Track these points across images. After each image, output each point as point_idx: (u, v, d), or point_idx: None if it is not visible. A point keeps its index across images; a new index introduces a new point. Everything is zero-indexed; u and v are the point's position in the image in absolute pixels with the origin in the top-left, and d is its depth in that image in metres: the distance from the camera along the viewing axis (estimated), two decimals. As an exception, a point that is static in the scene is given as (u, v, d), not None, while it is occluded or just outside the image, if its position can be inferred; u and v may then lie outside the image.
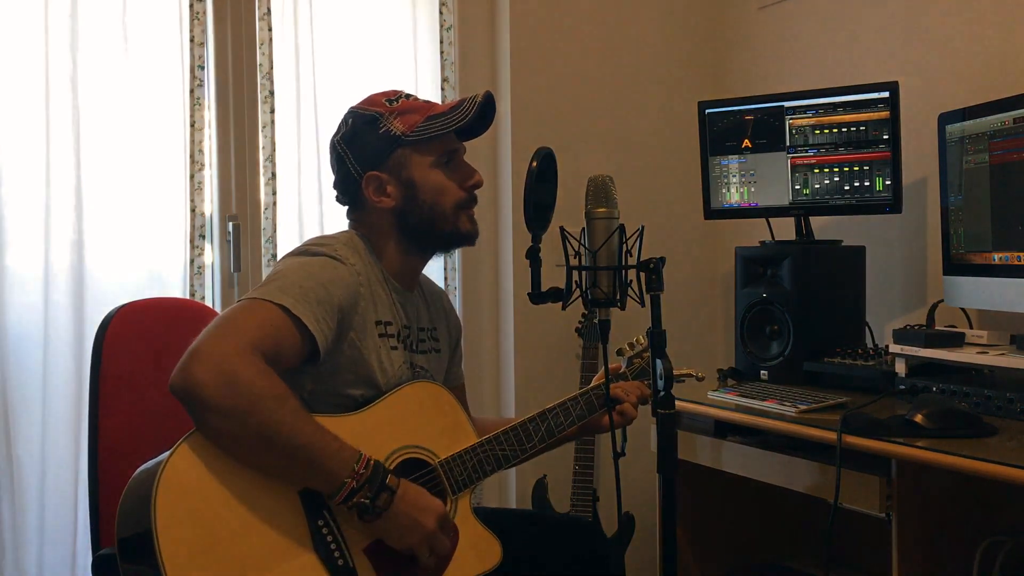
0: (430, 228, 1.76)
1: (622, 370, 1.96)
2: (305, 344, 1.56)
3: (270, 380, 1.47)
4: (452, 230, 1.77)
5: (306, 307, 1.55)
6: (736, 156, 2.62)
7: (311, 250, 1.68)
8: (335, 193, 1.83)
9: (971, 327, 2.30)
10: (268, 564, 1.47)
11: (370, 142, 1.74)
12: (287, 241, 2.67)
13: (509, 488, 2.99)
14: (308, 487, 1.52)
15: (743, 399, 2.20)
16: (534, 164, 1.61)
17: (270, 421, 1.45)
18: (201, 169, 2.54)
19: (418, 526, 1.54)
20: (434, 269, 2.80)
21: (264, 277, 1.91)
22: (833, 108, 2.46)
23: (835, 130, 2.46)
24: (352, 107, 1.80)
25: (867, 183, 2.42)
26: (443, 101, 2.86)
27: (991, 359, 1.98)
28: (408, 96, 1.79)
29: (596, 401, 1.86)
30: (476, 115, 1.74)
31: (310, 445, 1.48)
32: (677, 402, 1.63)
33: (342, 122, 1.80)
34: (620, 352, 1.95)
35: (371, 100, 1.79)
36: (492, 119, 1.81)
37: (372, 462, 1.51)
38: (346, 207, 1.83)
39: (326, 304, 1.58)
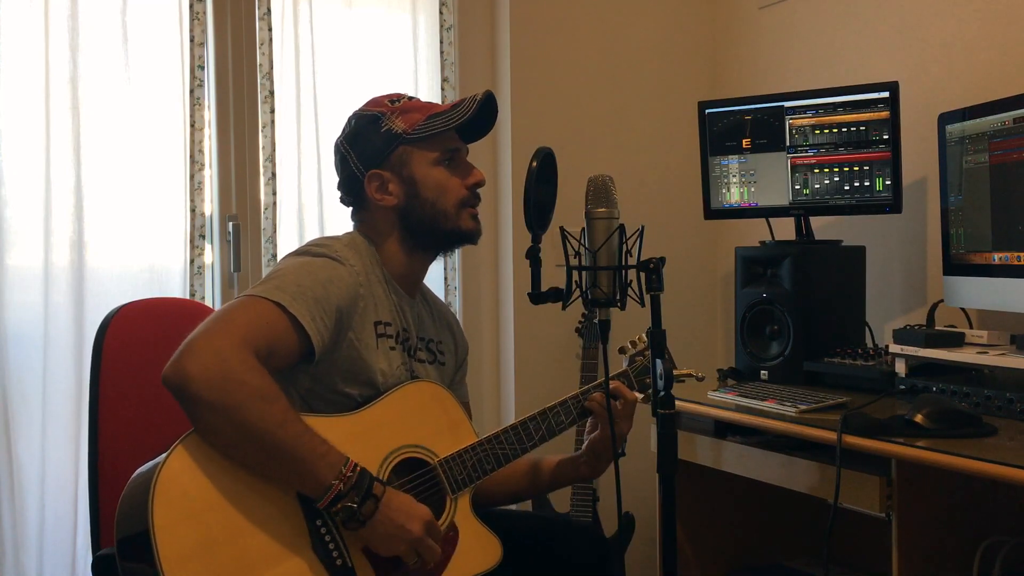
0: (432, 226, 1.76)
1: (623, 367, 1.96)
2: (300, 343, 1.56)
3: (261, 378, 1.47)
4: (454, 228, 1.77)
5: (303, 306, 1.55)
6: (736, 156, 2.62)
7: (311, 250, 1.68)
8: (339, 195, 1.83)
9: (971, 327, 2.30)
10: (266, 564, 1.47)
11: (372, 140, 1.74)
12: (287, 241, 2.67)
13: (509, 488, 2.99)
14: (295, 489, 1.52)
15: (743, 399, 2.19)
16: (534, 164, 1.61)
17: (257, 419, 1.45)
18: (201, 169, 2.55)
19: (403, 532, 1.52)
20: (434, 268, 2.80)
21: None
22: (833, 108, 2.46)
23: (835, 130, 2.46)
24: (355, 110, 1.81)
25: (867, 183, 2.42)
26: (444, 102, 2.86)
27: (991, 359, 1.98)
28: (411, 97, 1.80)
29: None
30: (476, 112, 1.74)
31: (296, 447, 1.47)
32: (677, 402, 1.63)
33: (346, 123, 1.81)
34: (622, 350, 1.95)
35: (374, 101, 1.80)
36: (494, 119, 1.82)
37: (359, 468, 1.51)
38: (350, 208, 1.83)
39: (323, 303, 1.58)
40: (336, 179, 1.83)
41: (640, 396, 1.89)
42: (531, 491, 1.98)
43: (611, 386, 1.82)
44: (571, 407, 1.83)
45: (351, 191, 1.80)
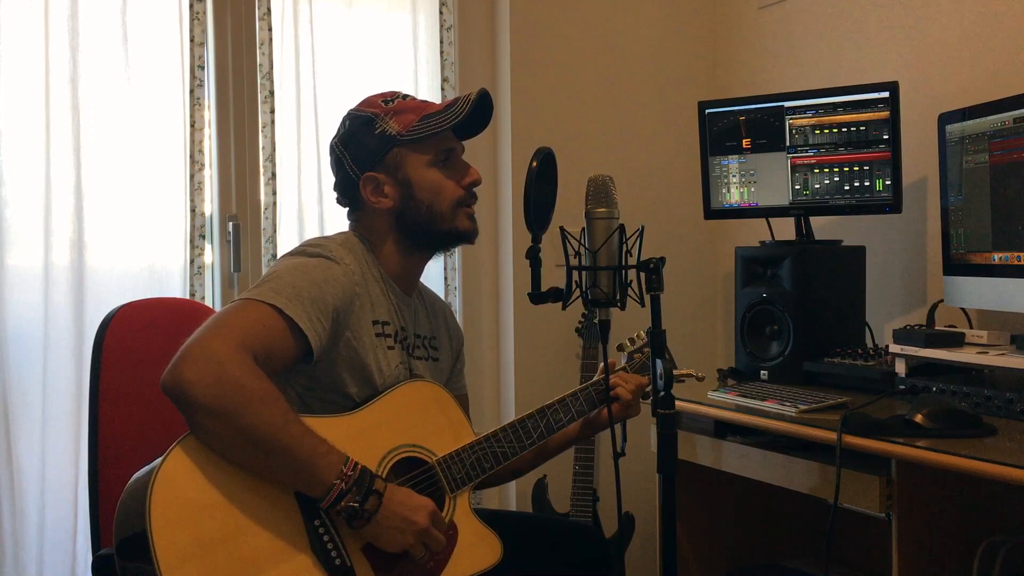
0: (428, 227, 1.76)
1: (622, 364, 1.96)
2: (298, 344, 1.56)
3: (259, 381, 1.47)
4: (450, 228, 1.77)
5: (299, 307, 1.55)
6: (736, 156, 2.62)
7: (306, 251, 1.68)
8: (336, 195, 1.83)
9: (971, 327, 2.30)
10: (265, 565, 1.47)
11: (366, 143, 1.74)
12: (287, 241, 2.67)
13: (509, 488, 2.99)
14: (297, 490, 1.52)
15: (743, 399, 2.19)
16: (534, 164, 1.61)
17: (258, 422, 1.45)
18: (201, 169, 2.55)
19: (409, 525, 1.53)
20: (434, 268, 2.81)
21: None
22: (833, 108, 2.46)
23: (835, 130, 2.46)
24: (350, 109, 1.81)
25: (867, 183, 2.42)
26: (443, 101, 2.86)
27: (991, 359, 1.98)
28: (405, 96, 1.79)
29: (596, 396, 1.85)
30: (470, 112, 1.74)
31: (298, 448, 1.47)
32: (677, 402, 1.63)
33: (340, 124, 1.80)
34: (621, 347, 1.95)
35: (368, 101, 1.79)
36: (489, 117, 1.81)
37: (359, 467, 1.51)
38: (347, 209, 1.83)
39: (320, 304, 1.58)
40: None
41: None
42: (530, 463, 1.96)
43: (615, 375, 1.83)
44: (569, 405, 1.83)
45: (347, 193, 1.80)
